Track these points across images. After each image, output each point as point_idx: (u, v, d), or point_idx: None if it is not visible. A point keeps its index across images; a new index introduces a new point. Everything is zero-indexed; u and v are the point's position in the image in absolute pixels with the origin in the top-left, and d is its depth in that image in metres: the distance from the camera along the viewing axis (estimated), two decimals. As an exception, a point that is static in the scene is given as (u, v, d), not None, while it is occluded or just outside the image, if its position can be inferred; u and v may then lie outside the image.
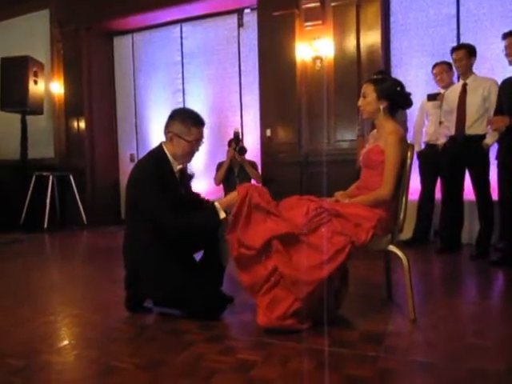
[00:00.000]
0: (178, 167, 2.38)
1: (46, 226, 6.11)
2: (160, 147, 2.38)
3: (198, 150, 2.41)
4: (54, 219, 6.34)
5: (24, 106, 6.12)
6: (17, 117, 6.36)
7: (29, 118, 6.41)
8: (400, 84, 2.33)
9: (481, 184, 3.68)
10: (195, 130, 2.34)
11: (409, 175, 2.25)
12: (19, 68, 6.07)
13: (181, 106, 6.62)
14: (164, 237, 2.24)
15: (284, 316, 2.01)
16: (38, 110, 6.36)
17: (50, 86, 6.85)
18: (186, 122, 2.33)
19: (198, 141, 2.38)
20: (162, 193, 2.22)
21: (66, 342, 2.06)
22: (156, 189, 2.21)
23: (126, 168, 7.12)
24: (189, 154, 2.39)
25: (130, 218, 2.39)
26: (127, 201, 2.37)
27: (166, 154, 2.35)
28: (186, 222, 2.23)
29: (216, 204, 2.24)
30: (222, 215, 2.21)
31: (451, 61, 3.89)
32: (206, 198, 2.59)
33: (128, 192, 2.35)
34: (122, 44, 7.13)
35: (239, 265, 2.10)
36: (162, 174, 2.28)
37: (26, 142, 6.36)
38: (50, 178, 6.29)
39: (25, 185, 6.23)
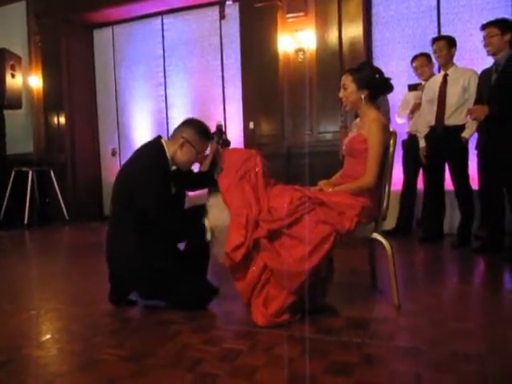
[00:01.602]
0: (172, 167, 2.38)
1: (26, 222, 6.00)
2: (159, 144, 2.34)
3: (199, 161, 2.46)
4: (34, 215, 6.24)
5: (1, 99, 5.98)
6: (-6, 111, 6.23)
7: (7, 112, 6.27)
8: (378, 71, 2.32)
9: (460, 175, 3.73)
10: (205, 143, 2.41)
11: (392, 163, 2.27)
12: (-5, 61, 5.93)
13: (163, 99, 6.57)
14: (149, 228, 2.23)
15: (280, 312, 2.01)
16: (15, 104, 6.23)
17: (28, 80, 6.71)
18: (200, 132, 2.37)
19: (202, 154, 2.43)
20: (162, 187, 2.24)
21: (48, 336, 2.03)
22: (157, 183, 2.22)
23: (108, 162, 7.04)
24: (190, 163, 2.42)
25: (117, 210, 2.35)
26: (118, 193, 2.33)
27: (165, 152, 2.33)
28: (177, 225, 2.29)
29: (206, 223, 2.23)
30: (208, 237, 2.22)
31: (431, 52, 3.93)
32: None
33: (121, 184, 2.31)
34: (102, 37, 7.02)
35: (234, 274, 2.10)
36: (162, 170, 2.28)
37: (4, 137, 6.24)
38: (30, 173, 6.18)
39: (4, 181, 6.10)
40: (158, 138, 2.39)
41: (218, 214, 2.20)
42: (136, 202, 2.22)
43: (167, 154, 2.32)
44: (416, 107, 4.13)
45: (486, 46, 3.36)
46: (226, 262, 2.08)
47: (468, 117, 3.51)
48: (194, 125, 2.38)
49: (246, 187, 2.16)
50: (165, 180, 2.29)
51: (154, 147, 2.35)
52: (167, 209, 2.24)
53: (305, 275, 1.97)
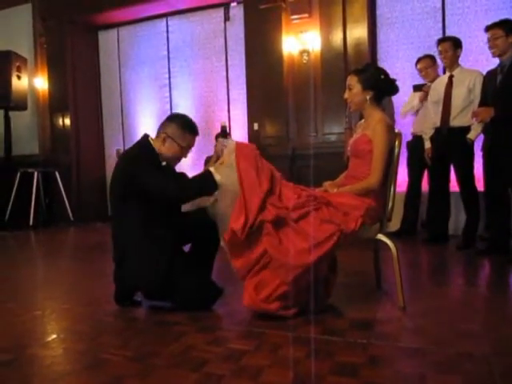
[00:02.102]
0: (163, 163, 2.38)
1: (31, 223, 6.03)
2: (147, 141, 2.37)
3: (186, 156, 2.45)
4: (39, 216, 6.26)
5: (7, 101, 6.01)
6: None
7: (12, 113, 6.31)
8: (383, 72, 2.33)
9: (465, 176, 3.71)
10: (190, 137, 2.38)
11: (397, 164, 2.26)
12: (1, 63, 5.96)
13: (167, 100, 6.59)
14: (152, 224, 2.25)
15: (269, 298, 2.01)
16: (21, 105, 6.26)
17: (33, 81, 6.75)
18: (183, 127, 2.36)
19: (189, 148, 2.41)
20: (156, 170, 2.26)
21: (54, 336, 2.03)
22: (150, 167, 2.25)
23: (113, 163, 7.01)
24: (177, 159, 2.41)
25: (118, 207, 2.36)
26: (116, 189, 2.34)
27: (153, 148, 2.35)
28: (189, 186, 2.29)
29: (211, 169, 2.23)
30: (218, 177, 2.19)
31: (437, 53, 3.92)
32: None
33: (118, 180, 2.32)
34: (107, 38, 7.06)
35: (231, 249, 2.09)
36: (150, 160, 2.30)
37: (9, 138, 6.27)
38: (35, 174, 6.20)
39: (9, 182, 6.13)
40: (145, 136, 2.41)
41: (228, 173, 2.17)
42: (134, 196, 2.23)
43: (156, 150, 2.34)
44: (423, 98, 4.09)
45: (490, 47, 3.35)
46: (226, 236, 2.06)
47: (474, 119, 3.50)
48: (176, 119, 2.39)
49: (265, 165, 2.18)
50: (157, 167, 2.30)
51: (141, 144, 2.39)
52: (171, 181, 2.26)
53: (302, 269, 1.97)
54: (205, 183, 2.21)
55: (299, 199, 2.07)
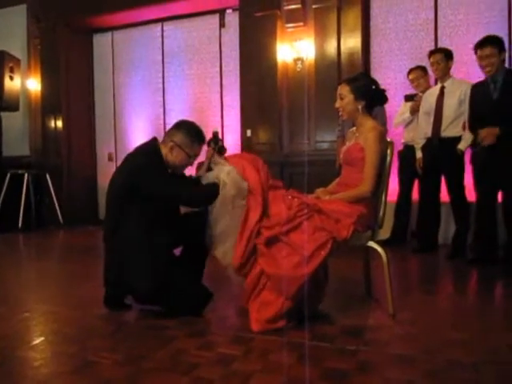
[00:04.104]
0: (168, 170, 2.37)
1: (20, 225, 5.97)
2: (156, 145, 2.35)
3: (192, 164, 2.44)
4: (29, 219, 6.20)
5: (-1, 101, 5.97)
6: (-9, 113, 6.21)
7: (3, 114, 6.25)
8: (374, 82, 2.37)
9: (456, 186, 3.74)
10: (197, 146, 2.38)
11: (389, 172, 2.29)
12: (-6, 63, 5.93)
13: (161, 104, 6.59)
14: (151, 231, 2.22)
15: (275, 319, 2.01)
16: (13, 106, 6.20)
17: (26, 83, 6.71)
18: (191, 136, 2.34)
19: (196, 157, 2.41)
20: (167, 174, 2.31)
21: (42, 338, 2.02)
22: (162, 172, 2.28)
23: (104, 167, 7.03)
24: (182, 167, 2.40)
25: (116, 211, 2.28)
26: (117, 193, 2.27)
27: (161, 153, 2.33)
28: (198, 192, 2.31)
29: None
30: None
31: (428, 64, 3.96)
32: None
33: (121, 185, 2.25)
34: (101, 41, 7.04)
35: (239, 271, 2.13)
36: (160, 165, 2.30)
37: (0, 139, 6.21)
38: (26, 176, 6.15)
39: (-2, 183, 6.08)
40: (154, 140, 2.39)
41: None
42: (136, 202, 2.20)
43: (162, 155, 2.33)
44: (415, 109, 4.11)
45: (486, 66, 3.30)
46: (236, 260, 2.08)
47: (466, 130, 3.54)
48: (184, 128, 2.36)
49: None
50: (166, 172, 2.32)
51: (150, 148, 2.36)
52: (184, 187, 2.32)
53: (301, 280, 1.97)
54: (212, 194, 2.24)
55: (290, 210, 2.08)
